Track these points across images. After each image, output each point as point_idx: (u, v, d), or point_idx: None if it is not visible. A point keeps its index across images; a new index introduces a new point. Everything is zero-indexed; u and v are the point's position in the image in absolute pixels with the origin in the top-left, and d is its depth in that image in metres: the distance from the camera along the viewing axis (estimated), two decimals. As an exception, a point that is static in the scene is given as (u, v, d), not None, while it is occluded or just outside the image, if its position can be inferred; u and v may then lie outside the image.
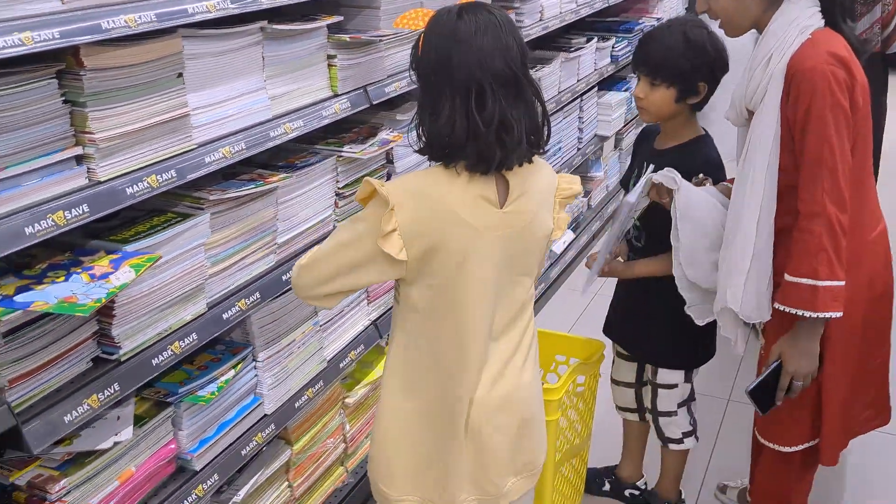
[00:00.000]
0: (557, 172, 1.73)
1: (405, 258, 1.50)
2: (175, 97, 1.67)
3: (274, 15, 1.92)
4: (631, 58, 4.38)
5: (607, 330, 2.54)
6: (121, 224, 1.73)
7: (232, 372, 1.95)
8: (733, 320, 2.04)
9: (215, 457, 1.94)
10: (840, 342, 2.00)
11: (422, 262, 1.52)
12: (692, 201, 2.05)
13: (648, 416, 2.48)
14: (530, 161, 1.57)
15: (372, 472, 1.75)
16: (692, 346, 2.33)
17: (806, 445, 2.13)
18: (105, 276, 1.49)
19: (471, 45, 1.47)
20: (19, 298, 1.39)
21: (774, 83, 1.87)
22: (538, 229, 1.63)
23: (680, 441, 2.42)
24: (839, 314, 1.85)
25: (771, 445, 2.16)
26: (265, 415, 2.09)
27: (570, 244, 4.09)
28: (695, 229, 2.06)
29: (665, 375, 2.35)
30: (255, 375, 2.06)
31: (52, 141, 1.46)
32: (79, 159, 1.51)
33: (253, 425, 2.05)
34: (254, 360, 2.05)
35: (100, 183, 1.53)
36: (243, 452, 2.01)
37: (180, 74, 1.68)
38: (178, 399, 1.82)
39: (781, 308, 1.90)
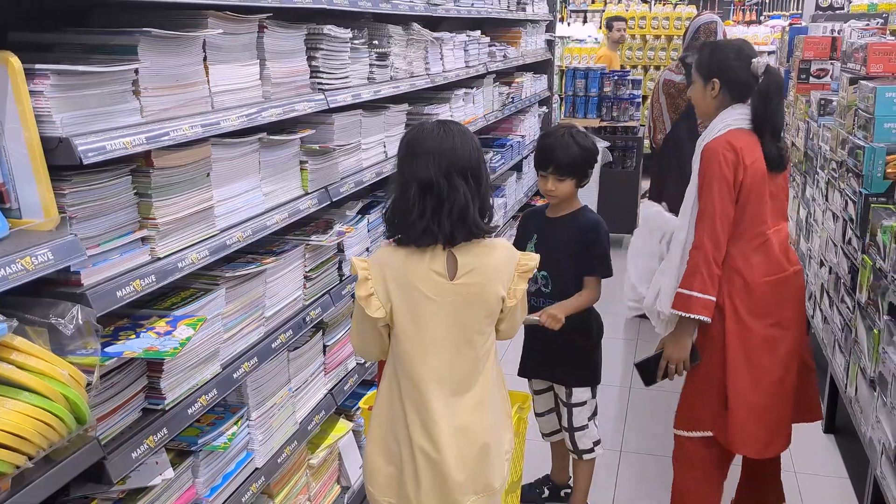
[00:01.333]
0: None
1: (383, 315, 1.96)
2: (205, 192, 2.04)
3: (265, 129, 2.34)
4: (503, 172, 5.12)
5: (523, 372, 3.07)
6: (152, 299, 2.05)
7: (235, 427, 2.25)
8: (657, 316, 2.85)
9: (223, 503, 2.21)
10: (739, 349, 2.71)
11: (392, 317, 1.99)
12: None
13: (565, 434, 2.99)
14: (479, 238, 2.01)
15: (364, 475, 2.18)
16: (594, 367, 2.96)
17: (709, 434, 2.79)
18: (168, 333, 1.81)
19: (423, 146, 1.96)
20: (111, 350, 1.70)
21: (696, 156, 2.73)
22: (489, 297, 2.03)
23: (591, 450, 2.98)
24: (707, 319, 2.65)
25: (683, 433, 2.84)
26: (256, 468, 2.36)
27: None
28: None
29: (578, 394, 2.92)
30: (249, 433, 2.35)
31: (127, 225, 1.80)
32: (143, 240, 1.85)
33: (248, 477, 2.32)
34: (248, 419, 2.35)
35: (159, 259, 1.86)
36: (243, 500, 2.28)
37: (209, 174, 2.05)
38: (199, 448, 2.10)
39: (671, 311, 2.69)
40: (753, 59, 2.73)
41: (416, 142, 1.99)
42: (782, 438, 2.86)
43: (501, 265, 2.06)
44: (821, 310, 4.13)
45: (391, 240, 2.06)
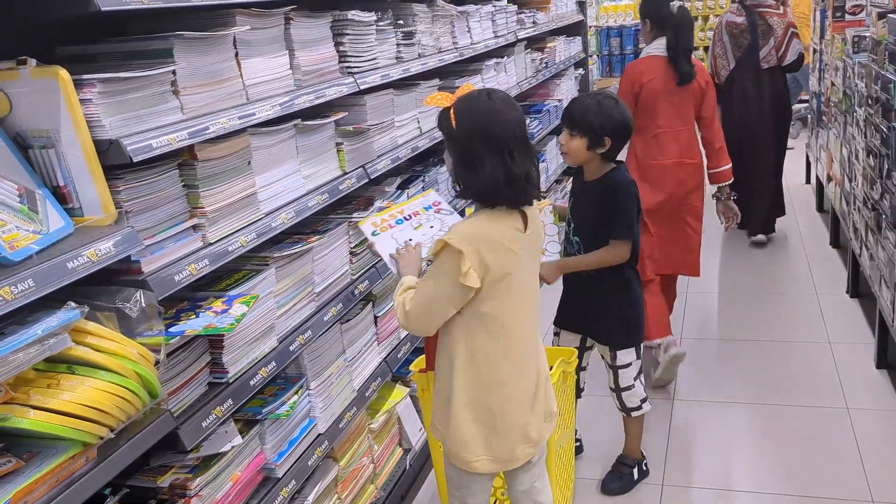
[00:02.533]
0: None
1: (477, 283, 2.04)
2: (248, 179, 2.17)
3: (300, 115, 2.47)
4: (542, 137, 5.17)
5: (558, 321, 3.11)
6: (208, 282, 2.20)
7: (296, 396, 2.40)
8: None
9: (290, 466, 2.35)
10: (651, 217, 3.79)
11: (490, 280, 2.07)
12: None
13: (612, 395, 3.06)
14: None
15: (452, 445, 2.22)
16: (631, 327, 2.97)
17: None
18: (224, 311, 1.96)
19: (501, 118, 2.05)
20: (173, 329, 1.85)
21: None
22: (540, 244, 2.31)
23: (639, 408, 3.03)
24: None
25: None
26: (319, 434, 2.52)
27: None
28: None
29: (622, 357, 2.97)
30: (309, 401, 2.50)
31: (178, 215, 1.94)
32: (194, 228, 2.00)
33: (312, 442, 2.47)
34: (307, 388, 2.50)
35: (210, 244, 2.01)
36: (309, 463, 2.43)
37: (249, 162, 2.18)
38: (264, 417, 2.26)
39: None
40: (671, 2, 3.73)
41: (492, 113, 2.06)
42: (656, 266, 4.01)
43: (535, 210, 2.22)
44: (866, 247, 4.12)
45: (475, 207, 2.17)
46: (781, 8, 5.62)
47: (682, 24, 3.72)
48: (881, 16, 3.67)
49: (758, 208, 5.72)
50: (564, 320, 3.10)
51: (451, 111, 2.08)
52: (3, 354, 1.40)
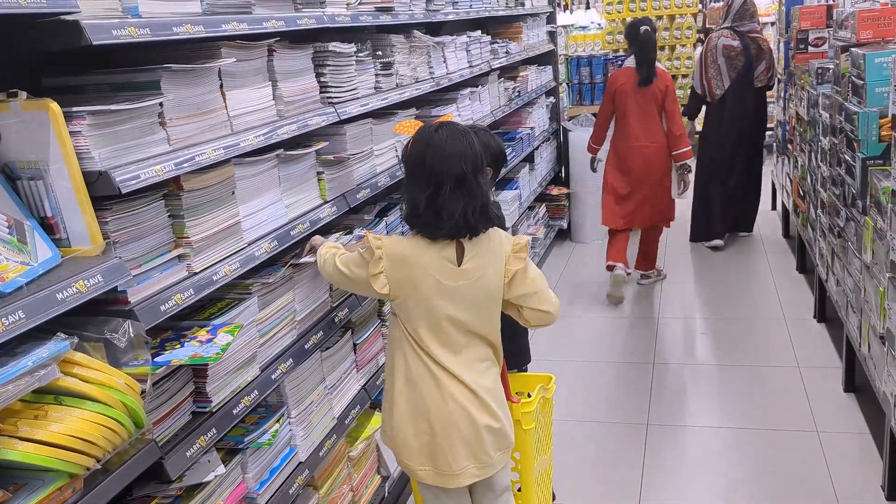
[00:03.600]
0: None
1: (387, 292, 2.19)
2: (232, 209, 2.18)
3: (282, 145, 2.49)
4: (515, 164, 5.23)
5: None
6: (191, 311, 2.20)
7: (277, 425, 2.40)
8: None
9: (272, 495, 2.34)
10: (614, 172, 5.52)
11: (398, 294, 2.19)
12: None
13: None
14: (484, 231, 2.22)
15: (395, 450, 2.35)
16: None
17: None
18: (209, 340, 1.97)
19: (437, 151, 2.14)
20: (160, 359, 1.86)
21: None
22: (489, 281, 2.24)
23: None
24: (593, 154, 5.70)
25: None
26: (300, 462, 2.51)
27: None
28: None
29: None
30: (290, 430, 2.50)
31: (164, 245, 1.95)
32: (180, 258, 2.00)
33: (293, 470, 2.47)
34: (288, 417, 2.50)
35: (196, 274, 2.01)
36: (290, 491, 2.43)
37: (233, 192, 2.20)
38: (246, 445, 2.26)
39: None
40: (640, 28, 5.18)
41: (440, 144, 2.15)
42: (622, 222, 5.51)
43: (495, 250, 2.25)
44: (832, 273, 4.22)
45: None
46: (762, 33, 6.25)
47: (644, 43, 5.20)
48: (844, 49, 3.78)
49: (749, 207, 6.57)
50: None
51: (410, 140, 2.23)
52: (-6, 386, 1.40)
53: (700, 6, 10.06)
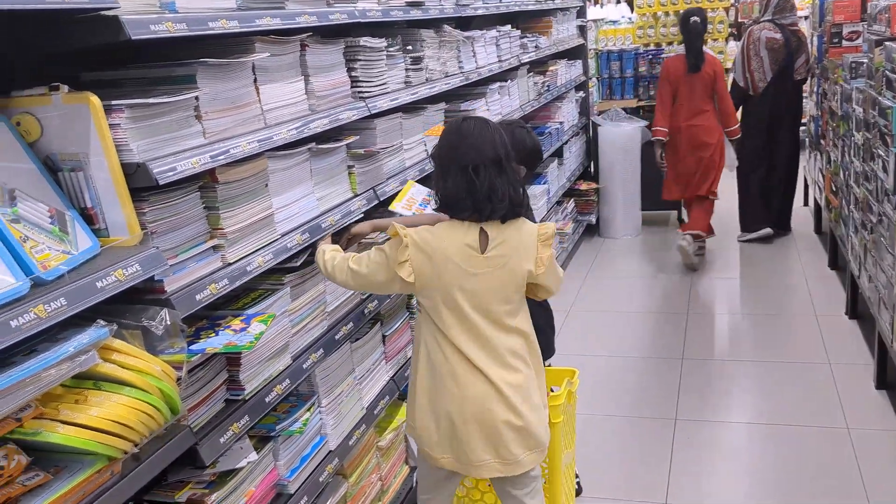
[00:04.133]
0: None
1: (413, 280, 2.18)
2: (265, 201, 2.22)
3: (314, 139, 2.53)
4: (544, 159, 5.22)
5: None
6: (226, 301, 2.25)
7: (308, 413, 2.44)
8: None
9: (302, 483, 2.38)
10: (670, 151, 6.00)
11: (423, 284, 2.19)
12: None
13: None
14: (514, 218, 2.24)
15: (417, 440, 2.36)
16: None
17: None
18: (243, 330, 2.01)
19: (468, 139, 2.19)
20: (195, 347, 1.90)
21: None
22: (514, 271, 2.24)
23: None
24: (662, 139, 5.95)
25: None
26: (330, 450, 2.55)
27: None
28: None
29: None
30: (321, 419, 2.54)
31: (199, 235, 2.00)
32: (214, 248, 2.05)
33: (323, 458, 2.51)
34: (319, 406, 2.54)
35: (230, 264, 2.06)
36: (320, 479, 2.47)
37: (266, 185, 2.24)
38: (277, 433, 2.30)
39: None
40: (690, 18, 5.68)
41: (475, 132, 2.21)
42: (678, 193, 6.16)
43: (525, 238, 2.26)
44: (865, 269, 4.18)
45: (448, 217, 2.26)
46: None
47: (692, 32, 5.70)
48: (878, 43, 3.74)
49: (787, 204, 6.56)
50: None
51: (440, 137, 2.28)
52: (37, 371, 1.44)
53: (732, 0, 9.95)
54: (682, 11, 6.52)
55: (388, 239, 2.25)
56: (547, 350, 3.00)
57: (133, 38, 1.71)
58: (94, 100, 1.68)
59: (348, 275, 2.27)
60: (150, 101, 1.80)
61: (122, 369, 1.65)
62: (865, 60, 4.20)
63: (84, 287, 1.56)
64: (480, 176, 2.15)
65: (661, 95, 5.92)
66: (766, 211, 6.43)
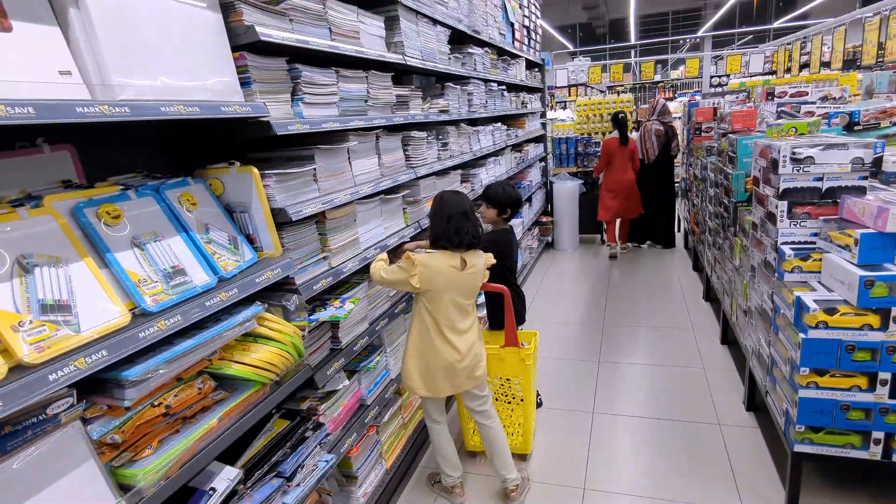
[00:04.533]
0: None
1: (419, 286, 2.14)
2: (354, 230, 2.23)
3: (383, 192, 2.53)
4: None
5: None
6: (331, 289, 2.26)
7: (379, 357, 2.45)
8: None
9: (375, 398, 2.39)
10: (605, 192, 5.95)
11: (424, 286, 2.15)
12: None
13: None
14: (476, 248, 2.25)
15: (405, 378, 2.31)
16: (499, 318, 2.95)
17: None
18: (340, 307, 2.03)
19: (448, 201, 2.19)
20: (312, 317, 1.91)
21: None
22: (475, 281, 2.26)
23: None
24: (597, 177, 6.18)
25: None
26: (391, 379, 2.56)
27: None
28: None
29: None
30: (386, 360, 2.54)
31: (316, 251, 2.01)
32: (324, 258, 2.06)
33: (387, 384, 2.52)
34: (385, 352, 2.55)
35: (332, 268, 2.07)
36: (386, 396, 2.48)
37: (355, 220, 2.25)
38: (361, 369, 2.31)
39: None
40: (619, 115, 5.81)
41: (451, 199, 2.23)
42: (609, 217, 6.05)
43: (480, 263, 2.28)
44: (714, 271, 4.13)
45: (435, 248, 2.25)
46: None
47: (621, 123, 5.86)
48: (724, 135, 3.70)
49: (669, 229, 6.46)
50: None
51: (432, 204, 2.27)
52: (219, 332, 1.47)
53: (634, 107, 9.89)
54: (612, 112, 6.79)
55: (404, 259, 2.20)
56: (520, 320, 2.99)
57: (278, 133, 1.73)
58: (255, 170, 1.71)
59: (380, 280, 2.18)
60: (287, 171, 1.82)
61: (270, 330, 1.67)
62: (716, 145, 4.16)
63: (248, 282, 1.59)
64: (453, 221, 2.16)
65: (602, 158, 6.01)
66: (649, 231, 6.55)
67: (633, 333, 4.20)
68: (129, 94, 1.29)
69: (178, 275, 1.41)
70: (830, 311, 1.93)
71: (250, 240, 1.78)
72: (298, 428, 1.89)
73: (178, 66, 1.44)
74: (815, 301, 1.97)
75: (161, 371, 1.30)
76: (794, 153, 2.16)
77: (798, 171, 2.16)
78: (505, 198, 2.85)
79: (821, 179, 2.15)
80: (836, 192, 2.14)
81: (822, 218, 2.16)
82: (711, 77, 11.94)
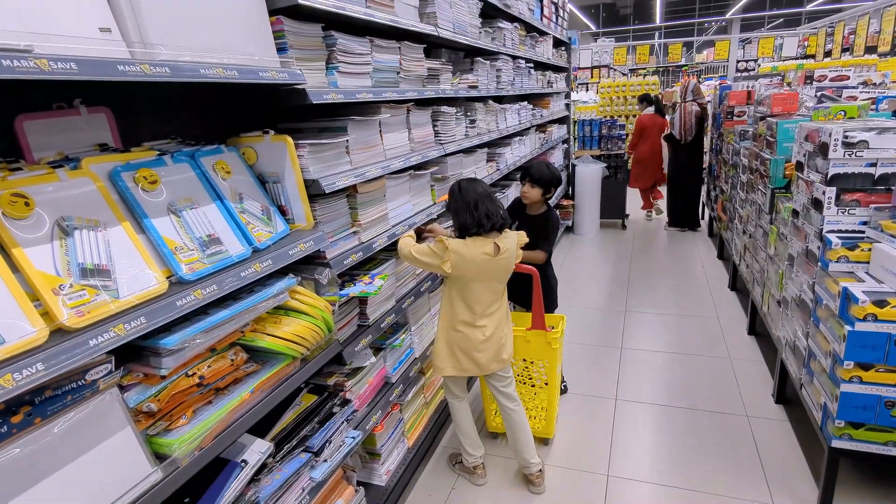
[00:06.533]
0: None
1: (451, 271, 2.09)
2: (383, 205, 2.19)
3: (412, 168, 2.49)
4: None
5: (511, 298, 2.91)
6: (361, 264, 2.23)
7: (404, 335, 2.43)
8: None
9: (399, 375, 2.38)
10: (637, 162, 6.48)
11: (456, 273, 2.11)
12: None
13: None
14: (505, 228, 2.18)
15: (435, 360, 2.30)
16: (549, 299, 2.87)
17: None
18: (369, 283, 2.00)
19: (466, 188, 2.14)
20: (342, 292, 1.89)
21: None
22: (509, 264, 2.20)
23: None
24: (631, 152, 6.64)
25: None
26: (415, 357, 2.54)
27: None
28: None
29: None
30: (411, 338, 2.53)
31: (346, 225, 1.98)
32: (354, 233, 2.03)
33: (411, 362, 2.50)
34: (410, 330, 2.53)
35: (362, 243, 2.04)
36: (410, 374, 2.46)
37: (385, 195, 2.22)
38: (387, 346, 2.30)
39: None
40: (648, 95, 6.48)
41: (470, 186, 2.18)
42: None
43: (513, 245, 2.22)
44: (743, 260, 4.05)
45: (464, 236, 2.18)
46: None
47: (657, 101, 6.47)
48: (761, 118, 3.59)
49: (694, 208, 6.50)
50: (512, 297, 2.95)
51: (449, 193, 2.23)
52: (254, 304, 1.45)
53: (661, 90, 9.69)
54: (639, 95, 7.02)
55: (436, 242, 2.15)
56: (552, 304, 2.94)
57: (313, 102, 1.69)
58: (289, 140, 1.67)
59: (410, 256, 2.13)
60: (321, 141, 1.78)
61: (301, 304, 1.65)
62: (750, 129, 4.04)
63: (281, 254, 1.56)
64: (481, 206, 2.11)
65: (636, 134, 6.45)
66: (683, 215, 6.54)
67: (656, 320, 4.15)
68: (168, 54, 1.25)
69: (213, 243, 1.39)
70: (880, 304, 1.86)
71: (282, 211, 1.75)
72: (326, 403, 1.88)
73: (216, 28, 1.40)
74: (864, 292, 1.90)
75: (198, 340, 1.28)
76: (846, 137, 2.08)
77: (850, 155, 2.08)
78: (550, 177, 2.79)
79: (874, 165, 2.07)
80: (891, 179, 2.05)
81: (873, 206, 2.08)
82: (738, 62, 11.63)
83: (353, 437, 1.90)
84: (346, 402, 1.95)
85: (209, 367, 1.39)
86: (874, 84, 4.95)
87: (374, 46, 2.10)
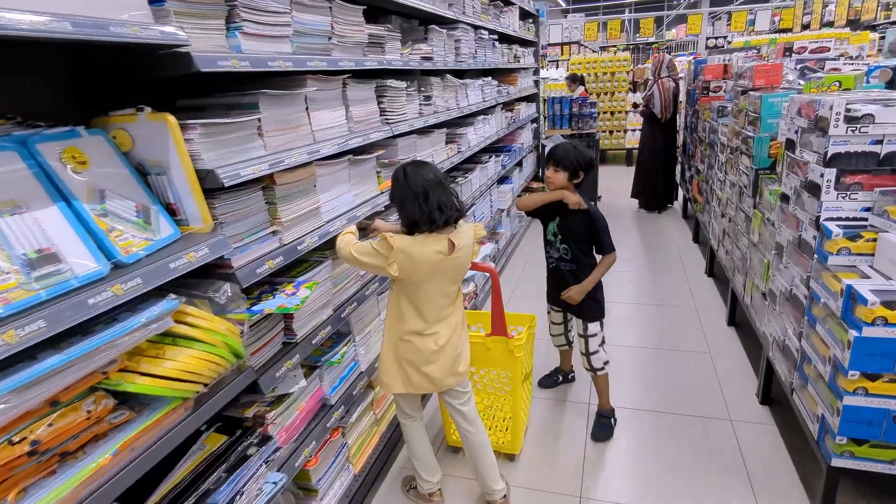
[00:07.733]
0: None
1: (397, 273, 1.78)
2: (314, 197, 1.85)
3: (352, 152, 2.15)
4: (510, 168, 4.78)
5: (550, 301, 2.67)
6: (286, 269, 1.88)
7: (346, 347, 2.10)
8: None
9: (340, 396, 2.06)
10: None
11: (404, 276, 1.80)
12: None
13: (582, 358, 2.55)
14: (457, 223, 1.85)
15: (380, 374, 1.99)
16: (601, 307, 2.52)
17: None
18: (293, 294, 1.65)
19: (413, 174, 1.79)
20: (255, 308, 1.55)
21: None
22: (465, 263, 1.88)
23: (602, 369, 2.55)
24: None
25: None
26: (361, 371, 2.22)
27: (489, 257, 4.28)
28: None
29: (591, 328, 2.49)
30: (355, 350, 2.20)
31: (262, 224, 1.63)
32: (273, 233, 1.68)
33: (356, 378, 2.18)
34: (353, 341, 2.20)
35: (284, 245, 1.69)
36: (354, 393, 2.15)
37: (315, 185, 1.86)
38: (322, 363, 1.97)
39: None
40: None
41: (418, 171, 1.81)
42: None
43: (469, 238, 1.90)
44: (722, 245, 3.83)
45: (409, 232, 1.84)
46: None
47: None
48: (743, 92, 3.33)
49: (667, 185, 6.27)
50: (553, 301, 2.66)
51: (392, 179, 1.87)
52: (111, 339, 1.09)
53: (632, 67, 9.44)
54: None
55: (380, 240, 1.80)
56: (603, 311, 2.56)
57: (202, 70, 1.32)
58: (171, 118, 1.31)
59: (350, 258, 1.81)
60: (217, 120, 1.42)
61: (193, 329, 1.30)
62: (729, 105, 3.78)
63: (158, 268, 1.21)
64: (432, 196, 1.76)
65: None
66: (659, 197, 6.31)
67: (631, 311, 3.91)
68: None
69: (46, 262, 1.03)
70: (891, 305, 1.61)
71: (171, 210, 1.39)
72: (239, 444, 1.55)
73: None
74: (873, 292, 1.64)
75: (10, 402, 0.92)
76: (848, 110, 1.80)
77: (853, 132, 1.80)
78: (577, 158, 2.38)
79: (879, 142, 1.80)
80: (900, 159, 1.79)
81: (878, 189, 1.82)
82: (707, 38, 11.43)
83: (276, 483, 1.58)
84: (266, 439, 1.62)
85: (50, 426, 1.04)
86: (851, 57, 4.74)
87: (294, 4, 1.73)
